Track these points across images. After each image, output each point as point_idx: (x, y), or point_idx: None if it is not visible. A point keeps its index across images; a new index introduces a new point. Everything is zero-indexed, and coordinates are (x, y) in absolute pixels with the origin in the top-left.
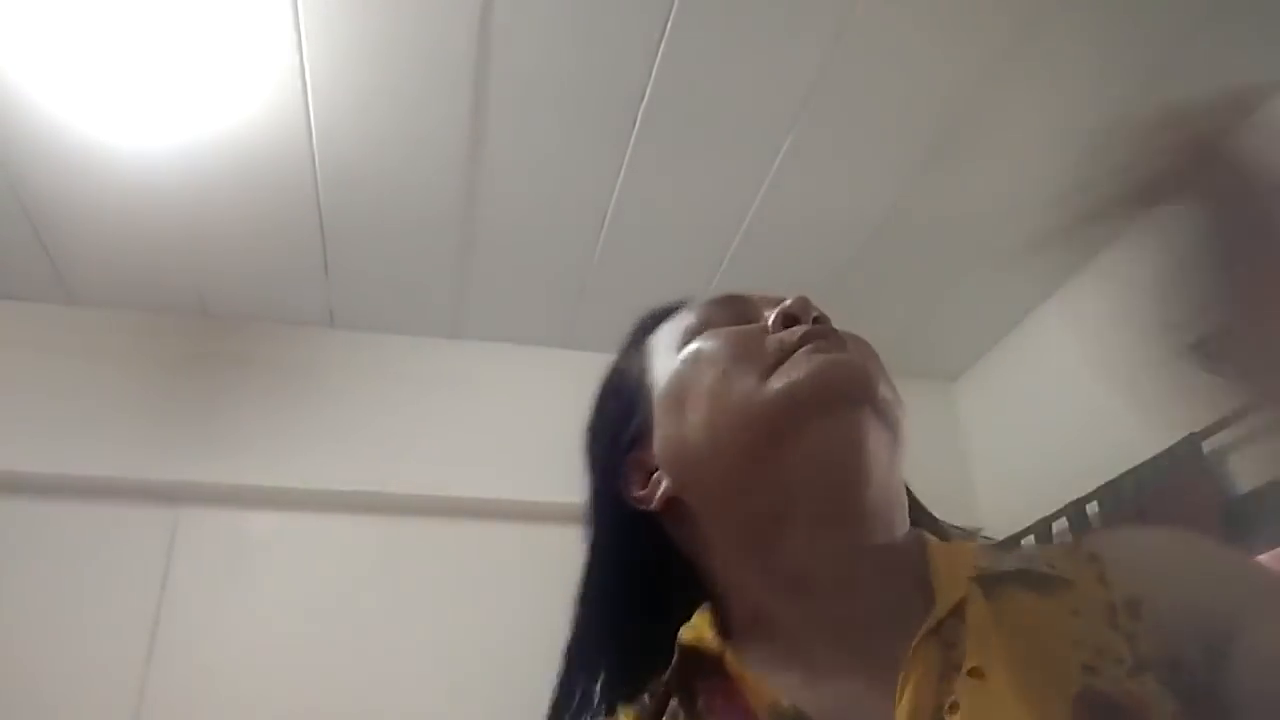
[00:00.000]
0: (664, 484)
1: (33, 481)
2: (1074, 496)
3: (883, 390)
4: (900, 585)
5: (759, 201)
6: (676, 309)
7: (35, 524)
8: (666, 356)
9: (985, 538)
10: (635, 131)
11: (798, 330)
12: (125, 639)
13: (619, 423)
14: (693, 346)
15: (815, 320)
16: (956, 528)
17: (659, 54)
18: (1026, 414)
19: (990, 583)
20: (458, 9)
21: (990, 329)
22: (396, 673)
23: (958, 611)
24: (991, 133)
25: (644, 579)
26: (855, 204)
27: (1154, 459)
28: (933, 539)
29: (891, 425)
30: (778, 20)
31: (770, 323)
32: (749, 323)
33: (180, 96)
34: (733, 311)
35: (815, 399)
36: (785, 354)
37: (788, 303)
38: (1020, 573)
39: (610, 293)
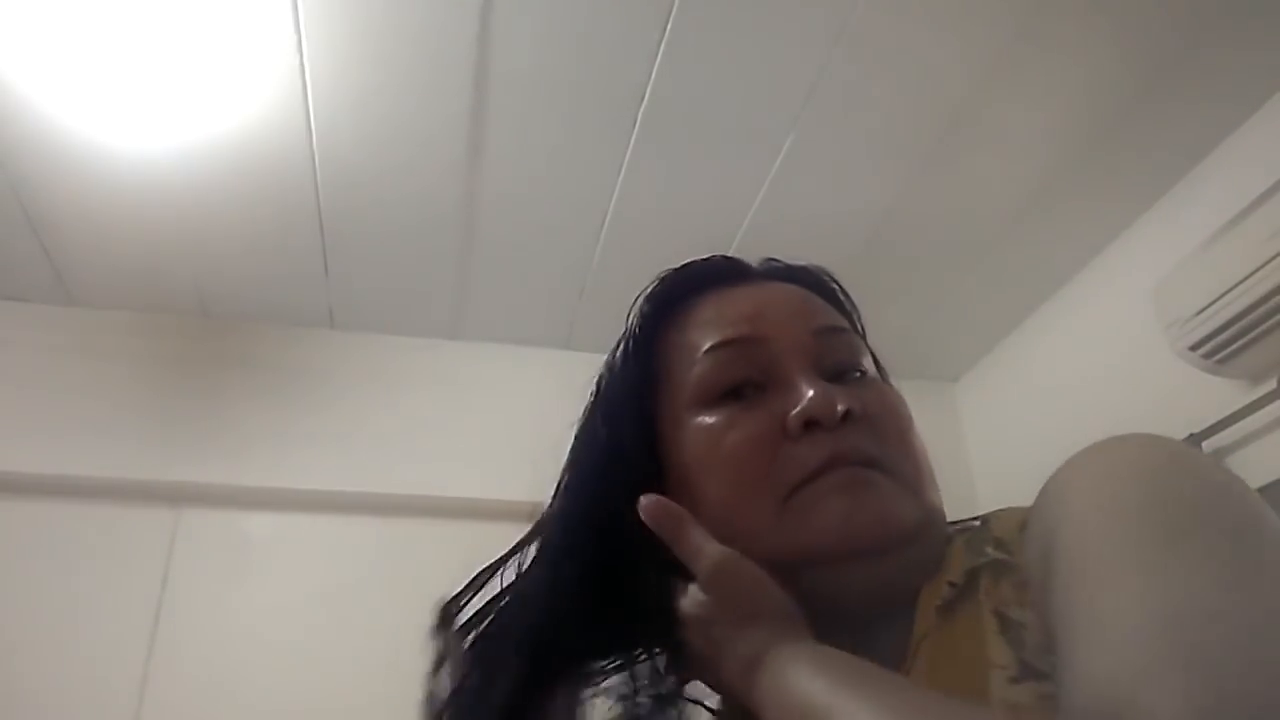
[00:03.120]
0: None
1: (33, 481)
2: None
3: (912, 523)
4: (897, 627)
5: (759, 201)
6: (684, 294)
7: (35, 524)
8: (678, 403)
9: (970, 523)
10: (635, 131)
11: (819, 447)
12: (125, 639)
13: (629, 446)
14: (705, 428)
15: (845, 416)
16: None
17: (659, 54)
18: (1027, 414)
19: (949, 609)
20: (458, 9)
21: (991, 330)
22: (396, 673)
23: (918, 653)
24: (991, 133)
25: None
26: (855, 204)
27: None
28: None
29: (919, 531)
30: (778, 20)
31: (790, 424)
32: (769, 379)
33: (180, 97)
34: (750, 365)
35: (825, 555)
36: (804, 479)
37: (810, 402)
38: (974, 580)
39: (610, 293)
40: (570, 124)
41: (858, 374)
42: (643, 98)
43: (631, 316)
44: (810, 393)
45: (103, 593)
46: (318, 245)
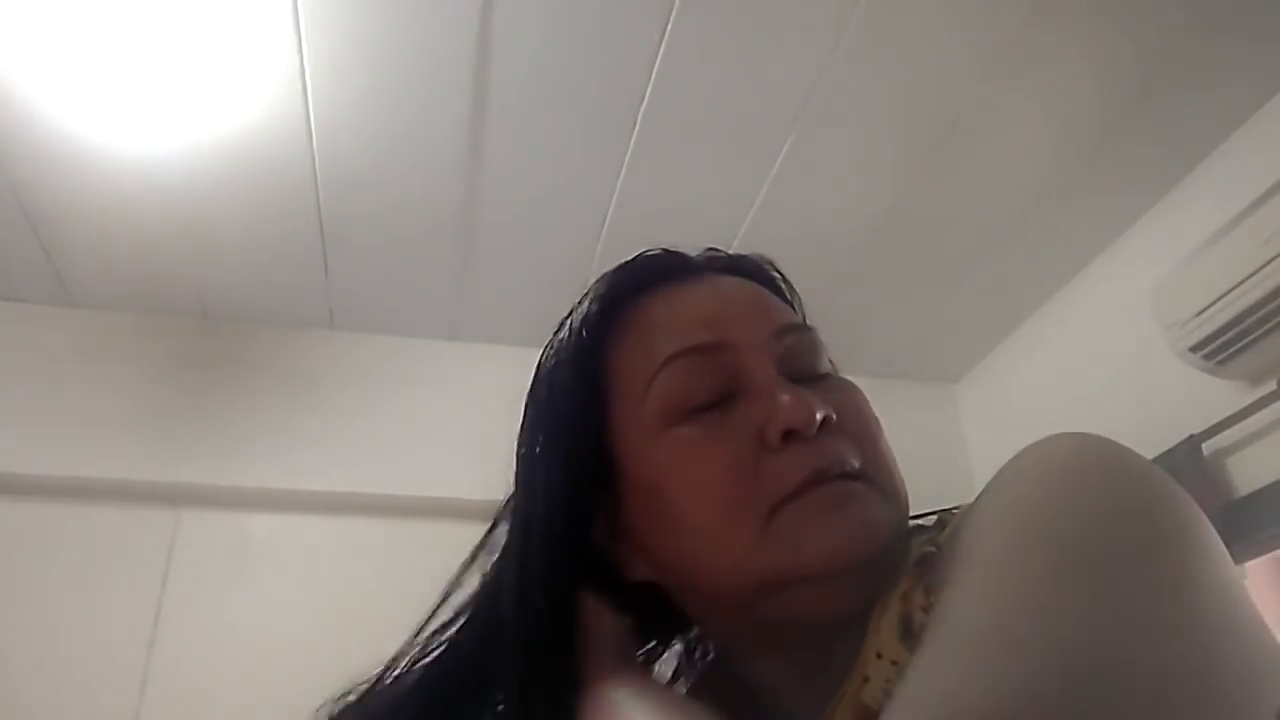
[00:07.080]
0: (641, 568)
1: (33, 482)
2: None
3: (892, 532)
4: (850, 639)
5: (759, 202)
6: (630, 294)
7: (35, 525)
8: (638, 415)
9: (927, 519)
10: (635, 131)
11: (802, 460)
12: (125, 641)
13: (575, 457)
14: (676, 444)
15: (822, 423)
16: (913, 521)
17: (659, 54)
18: (1027, 416)
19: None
20: (458, 9)
21: (991, 331)
22: None
23: (852, 673)
24: (991, 134)
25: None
26: (855, 205)
27: (1153, 460)
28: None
29: (889, 541)
30: (778, 21)
31: (768, 436)
32: (736, 386)
33: (180, 98)
34: (716, 374)
35: (818, 575)
36: (787, 496)
37: (788, 411)
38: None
39: None
40: (570, 124)
41: (820, 373)
42: (643, 98)
43: (574, 320)
44: (785, 400)
45: (103, 593)
46: (318, 246)
